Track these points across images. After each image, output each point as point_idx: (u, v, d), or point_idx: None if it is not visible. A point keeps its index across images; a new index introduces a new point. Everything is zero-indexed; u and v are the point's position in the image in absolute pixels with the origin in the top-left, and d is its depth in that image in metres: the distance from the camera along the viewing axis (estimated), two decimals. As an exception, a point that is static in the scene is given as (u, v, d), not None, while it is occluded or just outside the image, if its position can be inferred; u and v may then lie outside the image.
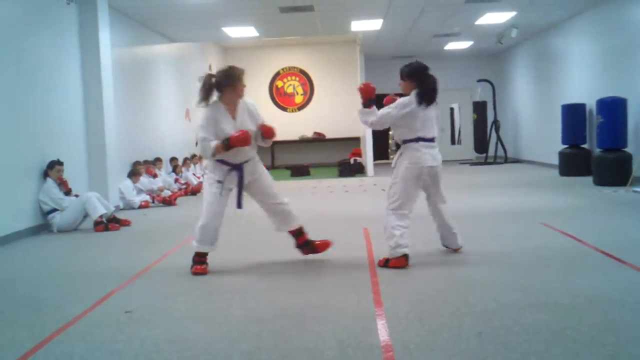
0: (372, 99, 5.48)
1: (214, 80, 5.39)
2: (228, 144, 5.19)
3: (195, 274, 5.37)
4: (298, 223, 5.73)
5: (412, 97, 5.41)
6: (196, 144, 5.42)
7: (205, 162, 5.59)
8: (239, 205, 5.57)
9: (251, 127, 5.41)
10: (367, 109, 5.49)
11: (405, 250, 5.27)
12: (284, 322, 3.89)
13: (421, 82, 5.46)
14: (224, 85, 5.36)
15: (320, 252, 5.78)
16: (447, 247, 5.87)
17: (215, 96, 5.43)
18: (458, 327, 3.66)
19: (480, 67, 20.46)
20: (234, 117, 5.38)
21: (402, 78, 5.54)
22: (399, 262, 5.26)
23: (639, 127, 11.31)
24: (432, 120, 5.53)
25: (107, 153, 9.98)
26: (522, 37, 16.85)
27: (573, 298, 4.18)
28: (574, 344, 3.31)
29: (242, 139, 5.19)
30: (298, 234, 5.76)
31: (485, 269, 5.15)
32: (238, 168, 5.43)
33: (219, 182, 5.38)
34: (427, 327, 3.67)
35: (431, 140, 5.50)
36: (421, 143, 5.42)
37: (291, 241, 5.81)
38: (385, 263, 5.33)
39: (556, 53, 15.68)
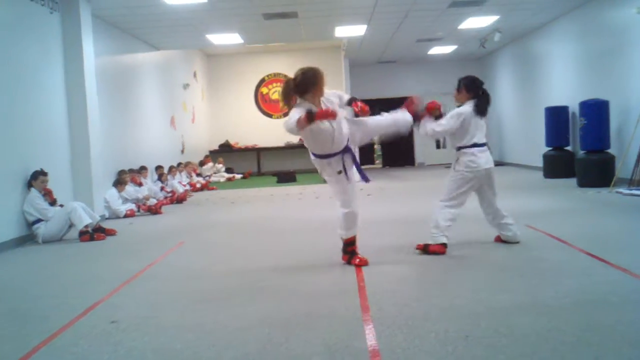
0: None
1: (294, 84, 5.40)
2: (312, 115, 5.01)
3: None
4: (351, 232, 5.75)
5: (467, 107, 6.01)
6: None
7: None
8: (365, 179, 5.94)
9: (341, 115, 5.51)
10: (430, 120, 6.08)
11: (445, 240, 5.86)
12: (271, 329, 3.88)
13: (478, 94, 6.08)
14: (309, 86, 5.36)
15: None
16: (506, 241, 6.27)
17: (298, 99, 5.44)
18: (445, 330, 3.67)
19: (464, 71, 20.16)
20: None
21: (458, 88, 6.20)
22: (439, 249, 5.84)
23: (621, 129, 11.41)
24: (483, 127, 6.10)
25: (92, 162, 9.92)
26: (505, 41, 16.97)
27: (559, 299, 4.20)
28: (560, 345, 3.33)
29: (326, 113, 5.05)
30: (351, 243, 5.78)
31: (471, 272, 5.17)
32: (348, 150, 5.58)
33: (340, 171, 5.59)
34: (414, 331, 3.68)
35: (483, 145, 6.08)
36: (475, 149, 5.99)
37: (276, 246, 5.82)
38: (425, 248, 5.91)
39: (539, 56, 15.81)
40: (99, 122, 10.37)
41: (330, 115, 5.06)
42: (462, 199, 6.05)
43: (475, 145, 6.01)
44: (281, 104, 5.63)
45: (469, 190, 6.06)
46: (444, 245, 5.87)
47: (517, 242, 6.19)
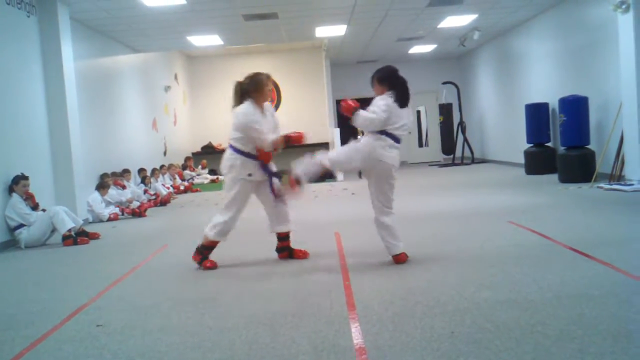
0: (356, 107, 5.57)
1: (242, 86, 5.82)
2: (286, 140, 5.69)
3: (207, 268, 5.89)
4: (289, 227, 6.04)
5: (387, 98, 5.43)
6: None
7: (227, 162, 5.85)
8: (277, 195, 5.90)
9: (276, 122, 6.00)
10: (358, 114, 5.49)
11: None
12: (257, 329, 3.89)
13: (392, 85, 5.52)
14: (252, 90, 5.77)
15: (297, 258, 6.05)
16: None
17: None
18: (430, 327, 3.69)
19: (444, 70, 20.69)
20: (265, 116, 5.82)
21: (372, 84, 5.67)
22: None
23: (600, 125, 11.53)
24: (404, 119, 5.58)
25: (74, 166, 9.85)
26: (484, 39, 17.08)
27: (542, 294, 4.25)
28: (544, 339, 3.36)
29: (298, 138, 5.72)
30: (285, 237, 6.09)
31: (455, 269, 5.20)
32: (261, 161, 5.84)
33: (250, 175, 5.78)
34: (400, 329, 3.70)
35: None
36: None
37: (261, 246, 5.83)
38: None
39: (518, 54, 15.93)
40: (80, 125, 10.29)
41: (301, 141, 5.76)
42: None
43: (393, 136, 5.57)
44: (232, 105, 5.85)
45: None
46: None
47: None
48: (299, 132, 5.75)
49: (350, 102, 5.50)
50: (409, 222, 7.89)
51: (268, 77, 5.87)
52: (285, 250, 6.10)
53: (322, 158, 5.63)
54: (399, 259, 5.55)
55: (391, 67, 5.64)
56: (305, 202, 11.30)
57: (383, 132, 5.39)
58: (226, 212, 5.88)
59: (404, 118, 5.47)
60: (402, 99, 5.44)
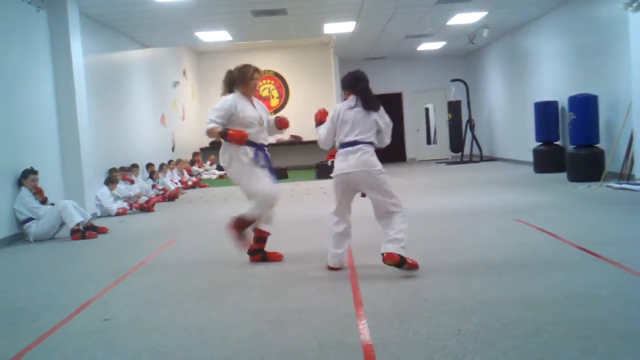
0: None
1: (231, 75, 5.92)
2: (225, 134, 5.55)
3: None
4: (270, 229, 5.90)
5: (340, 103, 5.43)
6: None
7: (225, 154, 5.79)
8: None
9: (265, 117, 5.96)
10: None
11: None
12: (264, 325, 3.89)
13: (355, 90, 5.34)
14: (238, 81, 5.86)
15: (270, 261, 5.87)
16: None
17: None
18: (437, 325, 3.69)
19: (453, 67, 20.63)
20: (253, 106, 5.85)
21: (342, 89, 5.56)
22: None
23: (610, 123, 11.47)
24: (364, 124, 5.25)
25: (82, 160, 9.89)
26: (493, 37, 17.02)
27: (550, 293, 4.23)
28: (551, 339, 3.35)
29: (238, 138, 5.52)
30: (262, 240, 5.90)
31: (462, 267, 5.19)
32: (263, 149, 5.78)
33: (252, 160, 5.67)
34: (407, 326, 3.69)
35: (354, 144, 5.23)
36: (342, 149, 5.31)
37: (269, 242, 5.84)
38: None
39: (528, 51, 15.86)
40: (89, 120, 10.33)
41: (241, 141, 5.55)
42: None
43: (343, 144, 5.29)
44: (221, 93, 5.93)
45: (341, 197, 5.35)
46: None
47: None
48: (243, 133, 5.55)
49: (320, 113, 5.63)
50: (416, 220, 7.87)
51: (256, 70, 5.88)
52: (259, 252, 5.88)
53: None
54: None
55: (354, 72, 5.43)
56: (313, 198, 11.31)
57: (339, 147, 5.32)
58: (255, 189, 5.66)
59: (366, 123, 5.19)
60: (365, 104, 5.22)
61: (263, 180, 5.68)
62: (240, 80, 5.83)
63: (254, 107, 5.85)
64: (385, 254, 4.97)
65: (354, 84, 5.34)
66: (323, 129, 5.44)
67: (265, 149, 5.84)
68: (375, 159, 5.21)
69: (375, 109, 5.25)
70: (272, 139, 6.51)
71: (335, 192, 5.33)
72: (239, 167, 5.71)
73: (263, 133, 5.86)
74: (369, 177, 5.14)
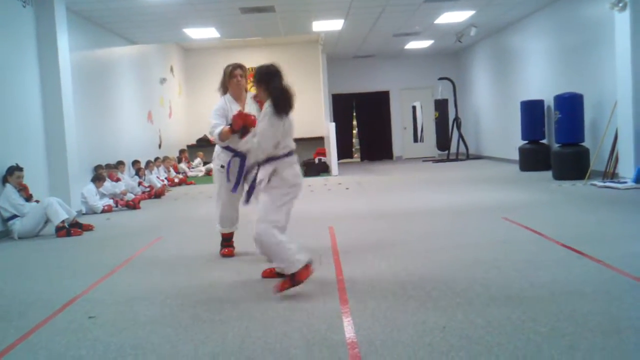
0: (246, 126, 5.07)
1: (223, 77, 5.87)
2: (231, 125, 5.31)
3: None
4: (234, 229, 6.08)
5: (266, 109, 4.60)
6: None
7: (215, 153, 5.88)
8: (247, 201, 5.03)
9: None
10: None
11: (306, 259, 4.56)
12: (249, 322, 3.89)
13: (268, 89, 4.65)
14: (224, 83, 5.84)
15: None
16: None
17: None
18: (423, 322, 3.70)
19: (441, 66, 20.69)
20: (242, 108, 5.73)
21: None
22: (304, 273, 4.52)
23: (595, 122, 11.56)
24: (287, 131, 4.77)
25: (68, 157, 9.82)
26: (481, 36, 17.09)
27: (534, 290, 4.26)
28: (535, 335, 3.38)
29: (237, 117, 5.20)
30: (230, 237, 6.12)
31: (448, 264, 5.22)
32: (241, 155, 5.50)
33: (222, 166, 5.67)
34: (392, 323, 3.71)
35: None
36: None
37: (252, 241, 5.81)
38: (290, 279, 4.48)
39: (514, 50, 15.94)
40: (75, 116, 10.27)
41: (241, 118, 5.22)
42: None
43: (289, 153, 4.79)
44: (220, 92, 5.91)
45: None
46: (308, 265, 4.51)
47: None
48: (239, 112, 5.31)
49: (239, 117, 5.14)
50: (402, 218, 7.90)
51: (236, 67, 5.80)
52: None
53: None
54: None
55: (265, 67, 4.73)
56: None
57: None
58: (216, 204, 5.95)
59: (284, 134, 4.66)
60: (279, 108, 4.57)
61: (222, 197, 5.81)
62: (225, 80, 5.80)
63: (242, 108, 5.66)
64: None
65: (268, 84, 4.69)
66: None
67: (248, 155, 5.14)
68: None
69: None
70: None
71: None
72: (215, 172, 5.86)
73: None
74: None
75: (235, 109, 5.64)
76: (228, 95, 5.79)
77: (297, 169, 4.83)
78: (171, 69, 18.34)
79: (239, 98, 5.83)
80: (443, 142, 19.48)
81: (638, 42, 9.75)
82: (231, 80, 5.77)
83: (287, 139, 4.73)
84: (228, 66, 5.85)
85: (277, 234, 4.52)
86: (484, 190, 10.55)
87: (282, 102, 4.60)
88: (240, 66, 5.84)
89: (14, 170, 8.19)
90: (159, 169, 14.74)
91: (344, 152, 20.77)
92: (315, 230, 7.27)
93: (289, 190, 4.67)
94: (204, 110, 19.98)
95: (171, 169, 15.82)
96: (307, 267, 4.46)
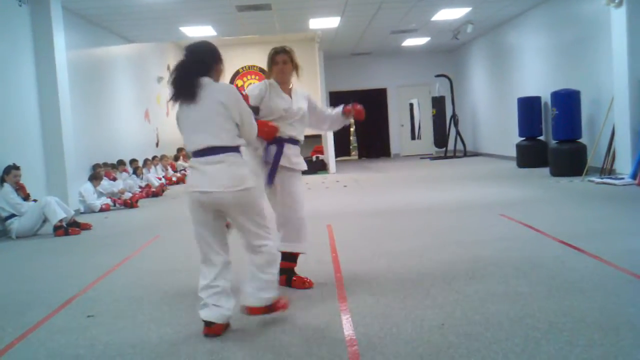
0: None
1: None
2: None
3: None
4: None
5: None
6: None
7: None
8: (271, 182, 4.67)
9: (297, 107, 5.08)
10: None
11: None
12: (248, 320, 3.89)
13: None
14: (269, 67, 5.06)
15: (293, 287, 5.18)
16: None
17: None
18: (421, 319, 3.71)
19: (437, 63, 20.69)
20: (289, 96, 5.07)
21: None
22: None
23: (592, 119, 11.57)
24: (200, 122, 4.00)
25: (66, 156, 9.82)
26: (477, 33, 17.08)
27: (532, 287, 4.27)
28: (533, 332, 3.39)
29: (266, 130, 4.65)
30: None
31: (446, 261, 5.22)
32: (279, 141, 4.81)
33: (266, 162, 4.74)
34: (391, 321, 3.71)
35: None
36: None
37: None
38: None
39: (511, 47, 15.94)
40: (72, 115, 10.25)
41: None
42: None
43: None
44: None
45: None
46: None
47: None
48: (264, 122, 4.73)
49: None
50: (400, 215, 7.91)
51: (277, 52, 5.04)
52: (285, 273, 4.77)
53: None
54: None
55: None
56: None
57: None
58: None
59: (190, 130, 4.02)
60: (176, 93, 4.10)
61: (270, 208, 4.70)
62: (269, 65, 5.02)
63: (284, 97, 4.96)
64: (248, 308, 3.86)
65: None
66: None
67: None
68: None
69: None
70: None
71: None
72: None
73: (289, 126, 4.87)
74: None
75: (277, 97, 4.89)
76: (272, 80, 4.99)
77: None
78: (168, 68, 18.30)
79: (284, 85, 5.00)
80: (440, 139, 19.48)
81: (634, 38, 9.77)
82: (274, 66, 4.95)
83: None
84: (271, 50, 4.99)
85: None
86: (481, 187, 10.56)
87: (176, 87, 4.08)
88: (284, 49, 5.00)
89: (11, 170, 8.18)
90: (156, 167, 14.73)
91: (342, 149, 20.78)
92: (313, 228, 7.24)
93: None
94: (201, 108, 20.02)
95: (169, 168, 15.80)
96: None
